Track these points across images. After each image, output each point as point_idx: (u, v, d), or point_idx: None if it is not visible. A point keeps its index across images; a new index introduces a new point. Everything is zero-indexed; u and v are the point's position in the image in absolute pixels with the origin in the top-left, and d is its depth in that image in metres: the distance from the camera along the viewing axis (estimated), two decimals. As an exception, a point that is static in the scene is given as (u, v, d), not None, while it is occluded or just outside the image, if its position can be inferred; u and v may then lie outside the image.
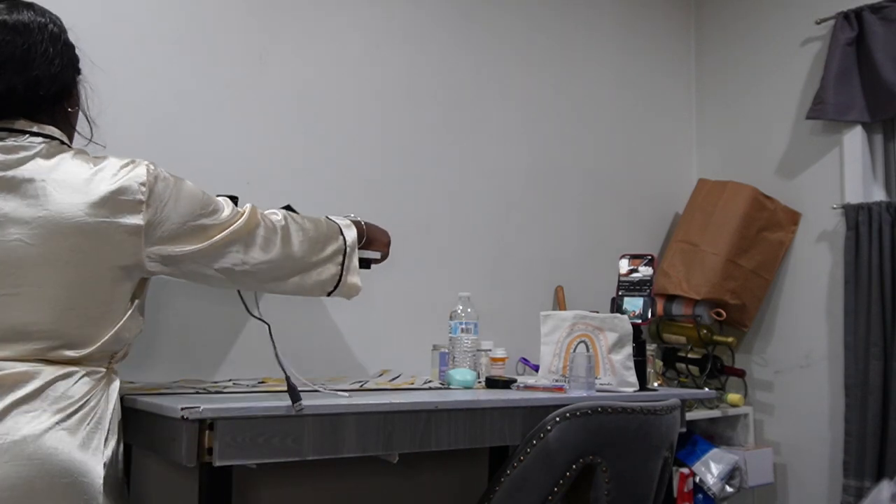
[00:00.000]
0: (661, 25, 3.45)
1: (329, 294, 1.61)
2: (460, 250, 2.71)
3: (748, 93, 3.34)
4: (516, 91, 2.92)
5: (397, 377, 2.07)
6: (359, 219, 1.73)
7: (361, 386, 1.82)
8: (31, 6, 1.31)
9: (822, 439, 2.97)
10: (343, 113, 2.48)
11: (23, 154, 1.22)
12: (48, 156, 1.24)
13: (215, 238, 1.36)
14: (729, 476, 2.76)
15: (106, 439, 1.24)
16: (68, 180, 1.22)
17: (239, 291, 1.64)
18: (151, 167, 1.30)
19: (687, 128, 3.52)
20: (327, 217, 1.66)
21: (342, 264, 1.60)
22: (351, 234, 1.64)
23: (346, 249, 1.60)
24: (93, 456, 1.19)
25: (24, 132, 1.25)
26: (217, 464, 1.31)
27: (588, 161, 3.12)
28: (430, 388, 1.96)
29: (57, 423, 1.17)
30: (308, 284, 1.54)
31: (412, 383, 2.00)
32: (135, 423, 1.47)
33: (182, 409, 1.27)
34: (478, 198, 2.77)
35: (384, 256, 1.84)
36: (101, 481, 1.18)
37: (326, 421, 1.44)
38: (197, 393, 1.59)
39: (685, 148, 3.51)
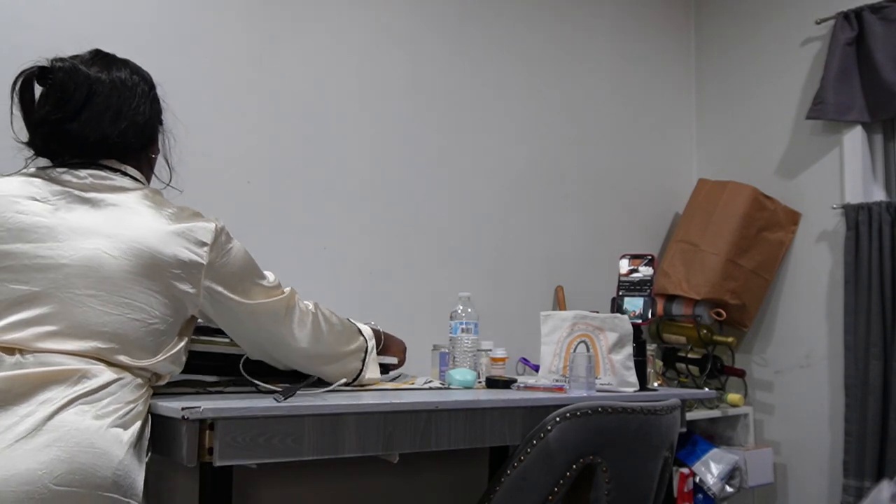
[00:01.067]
0: (660, 26, 3.45)
1: (346, 384, 1.76)
2: (460, 250, 2.71)
3: (748, 93, 3.34)
4: (516, 91, 2.92)
5: (397, 377, 2.07)
6: (378, 327, 1.89)
7: (361, 386, 1.82)
8: (127, 63, 1.49)
9: (822, 439, 2.98)
10: (343, 113, 2.48)
11: (109, 183, 1.39)
12: (130, 191, 1.41)
13: (261, 300, 1.51)
14: (729, 476, 2.76)
15: (148, 447, 1.31)
16: (147, 211, 1.38)
17: (242, 368, 1.70)
18: (219, 224, 1.46)
19: (687, 128, 3.52)
20: (349, 319, 1.79)
21: (363, 360, 1.76)
22: (370, 338, 1.80)
23: (367, 347, 1.77)
24: (139, 461, 1.26)
25: (113, 170, 1.42)
26: (217, 464, 1.31)
27: (588, 161, 3.12)
28: (431, 388, 1.96)
29: (113, 422, 1.23)
30: (330, 372, 1.69)
31: (412, 383, 2.00)
32: (135, 422, 1.48)
33: (182, 409, 1.27)
34: (478, 198, 2.78)
35: (401, 363, 2.00)
36: (142, 480, 1.24)
37: (326, 421, 1.44)
38: (197, 393, 1.59)
39: (685, 148, 3.51)
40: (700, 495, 2.76)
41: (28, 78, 1.36)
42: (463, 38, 2.79)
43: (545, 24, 3.04)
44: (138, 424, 1.27)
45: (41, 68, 1.36)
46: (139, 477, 1.23)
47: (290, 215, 2.35)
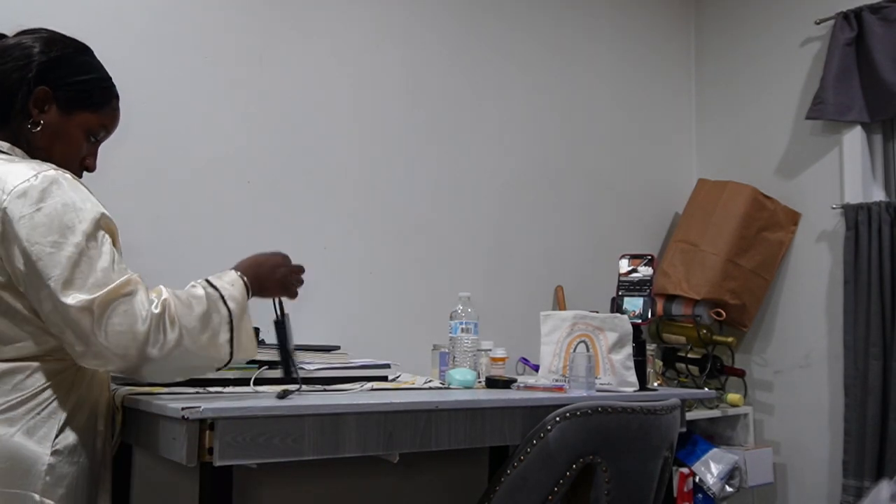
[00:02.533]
0: (660, 26, 3.45)
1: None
2: (460, 250, 2.71)
3: (748, 93, 3.34)
4: (516, 91, 2.92)
5: (397, 377, 2.07)
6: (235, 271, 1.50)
7: (362, 386, 1.82)
8: (40, 36, 1.40)
9: (822, 439, 2.98)
10: (343, 113, 2.48)
11: None
12: None
13: None
14: (729, 476, 2.77)
15: (61, 429, 1.27)
16: None
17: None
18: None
19: (687, 128, 3.52)
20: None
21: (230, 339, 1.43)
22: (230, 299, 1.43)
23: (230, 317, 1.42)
24: (37, 444, 1.24)
25: None
26: (217, 464, 1.31)
27: (588, 161, 3.12)
28: (431, 388, 1.96)
29: (3, 411, 1.23)
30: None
31: (413, 383, 2.00)
32: (135, 423, 1.48)
33: (182, 409, 1.27)
34: (478, 198, 2.78)
35: (285, 291, 1.59)
36: (45, 466, 1.23)
37: (327, 421, 1.44)
38: (197, 393, 1.59)
39: (685, 148, 3.51)
40: (700, 495, 2.76)
41: None
42: (463, 38, 2.79)
43: (545, 25, 3.04)
44: (45, 410, 1.26)
45: None
46: (33, 462, 1.22)
47: (290, 215, 2.36)
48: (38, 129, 1.37)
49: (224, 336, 1.37)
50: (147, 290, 1.29)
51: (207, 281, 1.42)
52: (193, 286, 1.40)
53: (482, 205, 2.79)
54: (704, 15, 3.55)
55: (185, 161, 2.18)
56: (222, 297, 1.39)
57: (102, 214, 1.29)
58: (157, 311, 1.27)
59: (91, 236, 1.25)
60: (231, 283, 1.43)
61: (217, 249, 2.19)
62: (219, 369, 1.43)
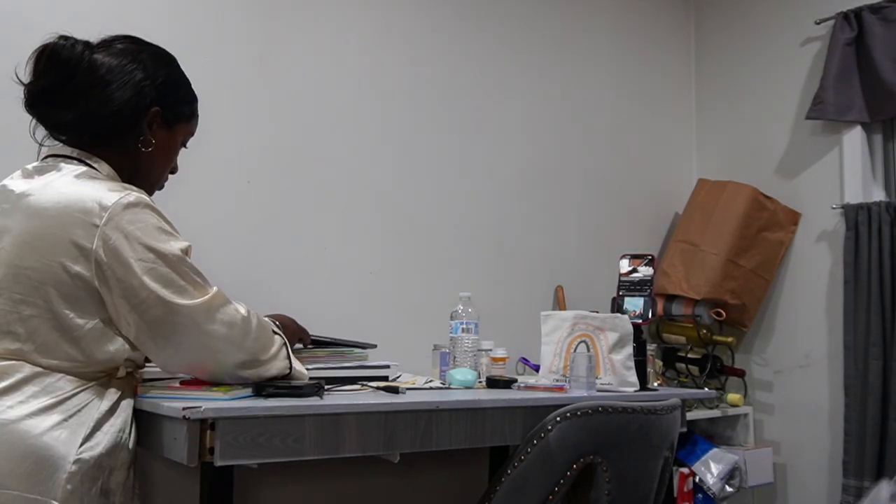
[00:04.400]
0: (660, 25, 3.45)
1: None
2: (460, 250, 2.71)
3: (748, 93, 3.35)
4: (516, 91, 2.92)
5: (398, 377, 2.07)
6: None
7: (363, 385, 1.82)
8: (138, 50, 1.45)
9: (822, 439, 2.98)
10: (343, 113, 2.48)
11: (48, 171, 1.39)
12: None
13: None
14: (729, 476, 2.77)
15: (88, 436, 1.27)
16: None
17: None
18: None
19: (687, 128, 3.52)
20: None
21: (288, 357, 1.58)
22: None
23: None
24: (63, 447, 1.23)
25: (70, 158, 1.40)
26: (218, 464, 1.31)
27: (588, 161, 3.12)
28: (431, 388, 1.96)
29: (32, 412, 1.23)
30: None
31: (413, 383, 2.00)
32: (136, 422, 1.47)
33: (183, 408, 1.27)
34: (478, 198, 2.78)
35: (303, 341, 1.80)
36: (67, 473, 1.22)
37: (327, 421, 1.44)
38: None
39: (685, 148, 3.51)
40: (700, 495, 2.76)
41: (41, 51, 1.34)
42: (462, 38, 2.79)
43: (544, 25, 3.04)
44: (74, 414, 1.27)
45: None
46: (59, 464, 1.22)
47: (290, 215, 2.36)
48: (150, 148, 1.44)
49: (283, 353, 1.49)
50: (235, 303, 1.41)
51: None
52: None
53: (482, 205, 2.79)
54: (704, 15, 3.55)
55: (185, 161, 2.18)
56: (273, 330, 1.51)
57: (189, 244, 1.38)
58: (245, 314, 1.40)
59: (185, 252, 1.35)
60: (275, 325, 1.55)
61: (217, 250, 2.19)
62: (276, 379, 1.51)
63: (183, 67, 2.25)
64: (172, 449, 1.34)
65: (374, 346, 1.96)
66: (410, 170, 2.62)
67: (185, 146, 1.58)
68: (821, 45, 3.08)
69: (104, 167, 1.39)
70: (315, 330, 2.29)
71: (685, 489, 2.74)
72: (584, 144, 3.12)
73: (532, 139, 2.95)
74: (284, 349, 1.49)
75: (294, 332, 1.73)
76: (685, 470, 2.75)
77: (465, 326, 2.10)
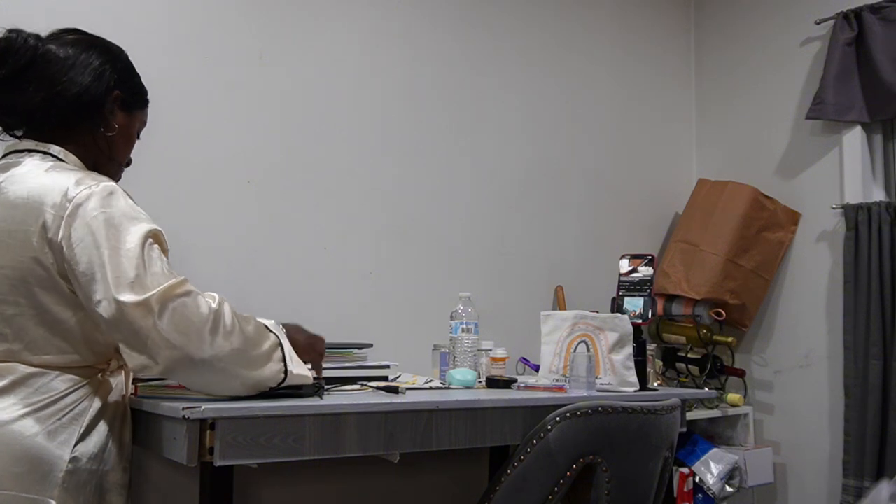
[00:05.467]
0: (660, 25, 3.45)
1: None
2: (460, 250, 2.71)
3: (748, 93, 3.34)
4: (516, 91, 2.92)
5: (398, 377, 2.07)
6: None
7: (362, 385, 1.82)
8: (92, 43, 1.44)
9: (822, 439, 2.98)
10: (343, 112, 2.49)
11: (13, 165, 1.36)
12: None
13: None
14: (729, 476, 2.77)
15: (82, 435, 1.28)
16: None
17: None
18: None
19: (687, 128, 3.52)
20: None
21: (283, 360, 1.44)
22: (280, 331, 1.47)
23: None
24: (58, 447, 1.24)
25: (33, 151, 1.37)
26: (218, 464, 1.31)
27: (588, 161, 3.12)
28: (431, 388, 1.96)
29: (26, 413, 1.23)
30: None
31: (413, 383, 2.00)
32: (135, 422, 1.48)
33: (183, 408, 1.27)
34: (478, 198, 2.78)
35: (315, 369, 1.59)
36: (63, 473, 1.23)
37: (327, 420, 1.44)
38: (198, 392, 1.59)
39: (685, 148, 3.51)
40: (700, 495, 2.76)
41: None
42: (462, 38, 2.79)
43: (545, 25, 3.04)
44: (68, 414, 1.27)
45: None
46: (52, 465, 1.22)
47: (290, 215, 2.36)
48: (112, 132, 1.44)
49: (278, 354, 1.39)
50: (204, 293, 1.31)
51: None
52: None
53: (482, 205, 2.79)
54: (704, 15, 3.55)
55: (185, 161, 2.18)
56: (267, 327, 1.42)
57: (155, 228, 1.32)
58: (216, 307, 1.29)
59: (146, 243, 1.28)
60: (272, 324, 1.45)
61: (217, 250, 2.19)
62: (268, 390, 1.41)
63: (183, 67, 2.25)
64: (172, 449, 1.34)
65: (370, 346, 1.96)
66: (410, 169, 2.62)
67: (139, 137, 1.56)
68: (821, 45, 3.08)
69: (69, 157, 1.38)
70: (315, 330, 2.29)
71: (685, 489, 2.74)
72: (585, 144, 3.12)
73: (532, 139, 2.95)
74: (279, 351, 1.39)
75: (306, 348, 1.57)
76: (685, 470, 2.75)
77: (465, 326, 2.10)
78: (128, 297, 1.22)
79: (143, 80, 2.13)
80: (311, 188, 2.40)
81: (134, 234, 1.27)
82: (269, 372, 1.38)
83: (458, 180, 2.73)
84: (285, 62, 2.38)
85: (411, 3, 2.67)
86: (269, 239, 2.30)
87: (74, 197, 1.26)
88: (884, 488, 2.25)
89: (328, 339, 2.07)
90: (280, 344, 1.41)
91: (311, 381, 1.47)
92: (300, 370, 1.45)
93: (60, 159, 1.36)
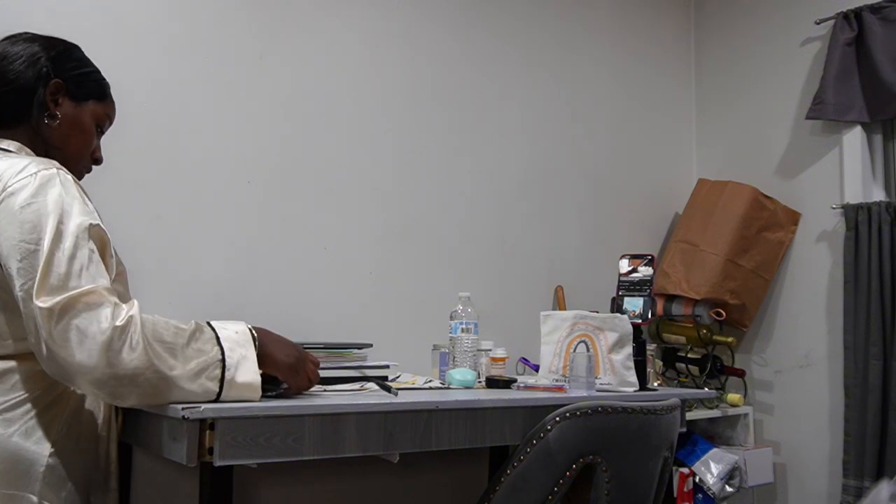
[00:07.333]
0: (660, 25, 3.45)
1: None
2: (460, 250, 2.71)
3: (748, 93, 3.34)
4: (516, 91, 2.92)
5: (398, 377, 2.07)
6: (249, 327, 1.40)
7: (362, 386, 1.82)
8: (34, 39, 1.44)
9: (822, 439, 2.98)
10: (343, 113, 2.49)
11: None
12: None
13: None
14: (729, 476, 2.77)
15: (59, 431, 1.27)
16: None
17: None
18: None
19: (687, 128, 3.52)
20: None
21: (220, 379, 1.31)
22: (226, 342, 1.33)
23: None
24: (35, 445, 1.24)
25: None
26: (218, 464, 1.31)
27: (588, 161, 3.12)
28: (431, 388, 1.96)
29: (3, 410, 1.23)
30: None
31: (413, 383, 2.00)
32: (135, 422, 1.48)
33: (183, 408, 1.27)
34: (478, 197, 2.78)
35: (286, 378, 1.46)
36: (43, 468, 1.23)
37: (327, 420, 1.44)
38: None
39: (685, 148, 3.51)
40: (700, 495, 2.76)
41: None
42: (462, 38, 2.79)
43: (545, 25, 3.04)
44: (44, 411, 1.25)
45: None
46: (30, 462, 1.22)
47: (290, 215, 2.36)
48: (57, 121, 1.40)
49: (213, 372, 1.28)
50: (117, 305, 1.20)
51: (208, 322, 1.35)
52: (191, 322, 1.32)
53: (482, 204, 2.79)
54: (704, 15, 3.55)
55: (185, 161, 2.18)
56: (217, 338, 1.31)
57: (89, 223, 1.25)
58: (119, 323, 1.18)
59: (69, 240, 1.21)
60: (236, 330, 1.35)
61: (217, 250, 2.19)
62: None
63: (183, 66, 2.25)
64: (172, 449, 1.34)
65: (370, 346, 1.96)
66: (410, 169, 2.62)
67: (102, 131, 1.51)
68: (821, 45, 3.08)
69: (14, 145, 1.36)
70: (315, 330, 2.30)
71: (685, 489, 2.74)
72: (585, 144, 3.12)
73: (532, 139, 2.95)
74: (216, 369, 1.27)
75: (291, 367, 1.45)
76: (685, 470, 2.75)
77: (464, 326, 2.10)
78: (39, 300, 1.15)
79: (143, 81, 2.14)
80: (311, 188, 2.40)
81: (58, 231, 1.20)
82: (197, 388, 1.26)
83: (458, 180, 2.73)
84: (285, 62, 2.38)
85: (411, 3, 2.67)
86: (269, 239, 2.30)
87: (10, 186, 1.23)
88: (884, 488, 2.25)
89: (328, 340, 2.07)
90: (223, 360, 1.29)
91: (257, 397, 1.35)
92: (238, 392, 1.32)
93: (13, 152, 1.35)
